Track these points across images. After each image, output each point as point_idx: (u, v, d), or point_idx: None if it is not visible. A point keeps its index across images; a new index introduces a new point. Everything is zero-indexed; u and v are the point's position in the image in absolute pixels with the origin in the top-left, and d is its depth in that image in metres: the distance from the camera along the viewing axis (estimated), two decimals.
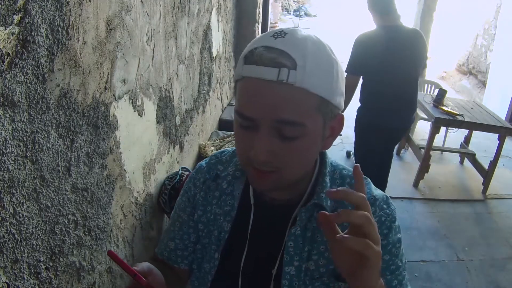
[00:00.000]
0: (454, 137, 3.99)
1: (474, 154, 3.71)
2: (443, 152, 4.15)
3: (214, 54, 3.06)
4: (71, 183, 1.10)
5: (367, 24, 2.52)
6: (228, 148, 0.84)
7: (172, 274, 0.81)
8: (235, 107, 0.62)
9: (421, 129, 4.67)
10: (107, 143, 1.31)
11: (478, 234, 2.95)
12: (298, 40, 0.57)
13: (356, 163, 2.85)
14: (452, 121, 3.27)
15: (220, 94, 3.50)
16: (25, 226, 0.91)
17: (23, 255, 0.91)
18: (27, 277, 0.93)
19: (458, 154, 4.03)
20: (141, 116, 1.62)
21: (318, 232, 0.69)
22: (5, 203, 0.83)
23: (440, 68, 7.80)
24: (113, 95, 1.33)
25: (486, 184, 3.44)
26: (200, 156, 2.76)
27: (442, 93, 3.51)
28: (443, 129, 3.70)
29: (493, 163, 3.33)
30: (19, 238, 0.89)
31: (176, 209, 0.83)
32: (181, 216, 0.81)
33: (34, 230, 0.94)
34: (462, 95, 6.55)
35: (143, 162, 1.71)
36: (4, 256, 0.85)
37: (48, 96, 0.94)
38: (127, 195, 1.55)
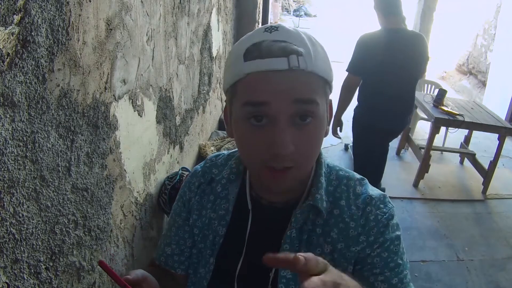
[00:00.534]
0: (454, 137, 3.99)
1: (474, 154, 3.71)
2: (443, 152, 4.15)
3: (214, 54, 3.06)
4: (71, 183, 1.10)
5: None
6: (223, 152, 0.83)
7: (170, 280, 0.81)
8: (242, 100, 0.60)
9: (421, 129, 4.67)
10: (107, 143, 1.31)
11: (478, 234, 2.95)
12: (291, 31, 0.61)
13: (354, 161, 2.88)
14: (452, 121, 3.27)
15: (220, 94, 3.50)
16: (25, 226, 0.91)
17: (23, 255, 0.91)
18: (27, 277, 0.93)
19: (458, 154, 4.03)
20: (141, 116, 1.62)
21: (314, 234, 0.69)
22: (5, 203, 0.83)
23: (440, 68, 7.81)
24: (113, 95, 1.33)
25: (486, 184, 3.44)
26: (200, 156, 2.76)
27: (442, 93, 3.51)
28: (443, 129, 3.70)
29: (493, 163, 3.33)
30: (19, 238, 0.89)
31: (172, 214, 0.83)
32: (177, 221, 0.80)
33: (34, 230, 0.94)
34: (462, 95, 6.55)
35: (143, 162, 1.71)
36: (4, 256, 0.85)
37: (48, 96, 0.94)
38: (127, 195, 1.55)
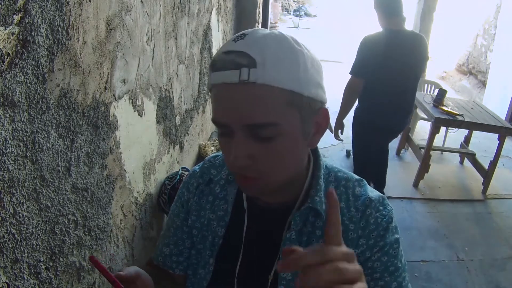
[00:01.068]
0: (454, 137, 3.99)
1: (474, 154, 3.71)
2: (443, 152, 4.15)
3: (214, 54, 3.06)
4: (71, 183, 1.10)
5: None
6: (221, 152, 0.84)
7: (168, 280, 0.81)
8: (211, 116, 0.61)
9: (421, 129, 4.67)
10: (107, 143, 1.31)
11: (478, 234, 2.95)
12: (256, 38, 0.56)
13: (354, 161, 2.88)
14: (452, 121, 3.27)
15: None
16: (25, 226, 0.91)
17: (23, 255, 0.91)
18: (27, 277, 0.93)
19: (458, 154, 4.03)
20: (141, 116, 1.62)
21: (314, 236, 0.68)
22: (5, 203, 0.83)
23: (440, 68, 7.81)
24: (113, 95, 1.33)
25: (486, 184, 3.44)
26: (200, 156, 2.76)
27: (442, 93, 3.51)
28: (443, 129, 3.70)
29: (493, 163, 3.33)
30: (19, 238, 0.89)
31: (171, 214, 0.82)
32: (175, 221, 0.80)
33: (34, 230, 0.94)
34: (462, 95, 6.55)
35: (143, 162, 1.71)
36: (4, 256, 0.85)
37: (48, 96, 0.94)
38: (127, 195, 1.55)
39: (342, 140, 2.75)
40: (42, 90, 0.92)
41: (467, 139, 3.95)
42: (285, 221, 0.69)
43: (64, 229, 1.08)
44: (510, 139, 4.31)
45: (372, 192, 0.72)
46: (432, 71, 6.98)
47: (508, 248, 2.81)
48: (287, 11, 15.52)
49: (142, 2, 1.51)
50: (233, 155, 0.57)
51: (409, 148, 4.14)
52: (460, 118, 3.24)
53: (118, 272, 0.63)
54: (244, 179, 0.61)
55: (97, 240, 1.30)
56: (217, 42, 3.13)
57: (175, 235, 0.80)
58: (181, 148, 2.34)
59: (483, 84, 6.19)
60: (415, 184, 3.49)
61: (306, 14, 15.28)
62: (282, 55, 0.56)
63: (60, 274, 1.08)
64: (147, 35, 1.60)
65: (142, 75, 1.59)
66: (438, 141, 3.79)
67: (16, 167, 0.85)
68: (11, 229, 0.86)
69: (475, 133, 3.77)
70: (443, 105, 3.42)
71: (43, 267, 1.00)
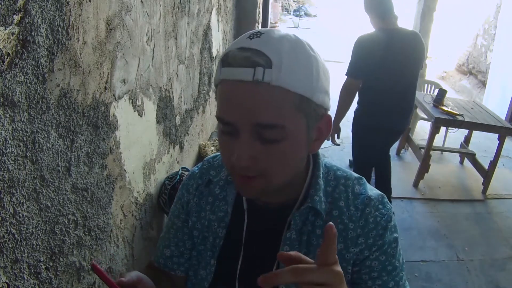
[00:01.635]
0: (454, 137, 3.99)
1: (474, 154, 3.71)
2: (443, 152, 4.15)
3: (214, 54, 3.06)
4: (71, 183, 1.10)
5: (367, 24, 2.52)
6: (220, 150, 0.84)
7: (168, 281, 0.81)
8: (216, 112, 0.60)
9: (421, 129, 4.67)
10: (107, 143, 1.31)
11: (478, 234, 2.95)
12: (273, 39, 0.56)
13: (353, 163, 2.88)
14: (452, 121, 3.27)
15: None
16: (25, 226, 0.91)
17: (23, 255, 0.91)
18: (27, 277, 0.93)
19: (458, 154, 4.03)
20: (141, 116, 1.62)
21: (314, 235, 0.68)
22: (5, 203, 0.83)
23: (440, 68, 7.82)
24: (113, 95, 1.33)
25: (486, 184, 3.44)
26: (200, 156, 2.76)
27: (442, 93, 3.51)
28: (443, 129, 3.70)
29: (493, 163, 3.33)
30: (19, 238, 0.89)
31: (171, 216, 0.82)
32: (176, 223, 0.80)
33: (34, 230, 0.94)
34: (462, 95, 6.55)
35: (143, 162, 1.71)
36: (4, 256, 0.85)
37: (48, 96, 0.94)
38: (127, 195, 1.55)
39: (339, 145, 2.74)
40: (42, 90, 0.92)
41: (467, 139, 3.96)
42: (285, 220, 0.69)
43: (64, 229, 1.08)
44: (510, 139, 4.31)
45: (372, 191, 0.72)
46: (432, 71, 6.98)
47: (508, 248, 2.81)
48: (287, 11, 15.53)
49: (142, 2, 1.51)
50: (237, 155, 0.57)
51: (409, 148, 4.14)
52: (460, 118, 3.24)
53: (120, 279, 0.63)
54: (243, 179, 0.60)
55: (97, 240, 1.30)
56: (217, 42, 3.13)
57: (176, 236, 0.80)
58: (181, 148, 2.34)
59: (483, 84, 6.19)
60: (415, 184, 3.49)
61: (306, 14, 15.29)
62: (298, 59, 0.56)
63: (60, 274, 1.08)
64: (147, 35, 1.60)
65: (142, 75, 1.59)
66: (438, 141, 3.79)
67: (16, 167, 0.85)
68: (11, 229, 0.86)
69: (475, 133, 3.77)
70: (443, 105, 3.43)
71: (43, 267, 1.00)
